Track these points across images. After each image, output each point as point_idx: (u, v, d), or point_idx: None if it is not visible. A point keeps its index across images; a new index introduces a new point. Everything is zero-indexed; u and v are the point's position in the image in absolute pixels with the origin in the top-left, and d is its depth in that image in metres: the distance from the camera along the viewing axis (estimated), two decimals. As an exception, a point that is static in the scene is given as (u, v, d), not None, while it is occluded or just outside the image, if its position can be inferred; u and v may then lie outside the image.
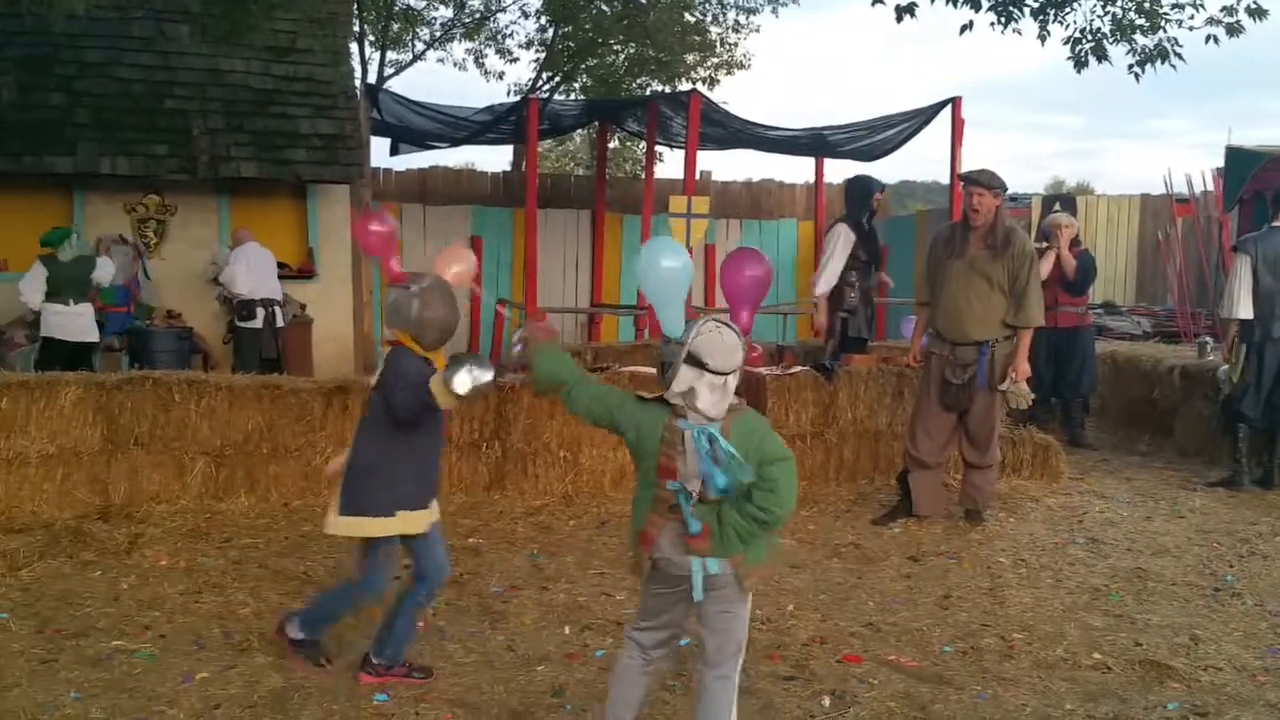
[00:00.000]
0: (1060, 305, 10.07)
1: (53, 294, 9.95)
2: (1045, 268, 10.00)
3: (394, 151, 16.30)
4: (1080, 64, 9.14)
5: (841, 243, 8.66)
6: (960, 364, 7.23)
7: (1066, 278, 10.06)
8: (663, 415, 3.67)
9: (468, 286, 4.71)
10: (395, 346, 4.49)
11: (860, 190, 8.93)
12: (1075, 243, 10.25)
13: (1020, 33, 9.11)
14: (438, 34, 19.76)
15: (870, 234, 8.87)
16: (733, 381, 3.65)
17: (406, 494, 4.53)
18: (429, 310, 4.40)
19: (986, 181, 7.18)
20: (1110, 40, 8.99)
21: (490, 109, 15.24)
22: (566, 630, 5.41)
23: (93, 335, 10.20)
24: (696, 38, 18.79)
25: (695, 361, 3.60)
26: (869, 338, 9.17)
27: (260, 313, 10.91)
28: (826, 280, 8.65)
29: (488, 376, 4.21)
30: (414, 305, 4.39)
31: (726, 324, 3.71)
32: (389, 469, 4.49)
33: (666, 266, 3.82)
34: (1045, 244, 10.27)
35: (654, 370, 8.25)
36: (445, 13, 19.45)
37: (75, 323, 10.07)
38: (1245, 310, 8.36)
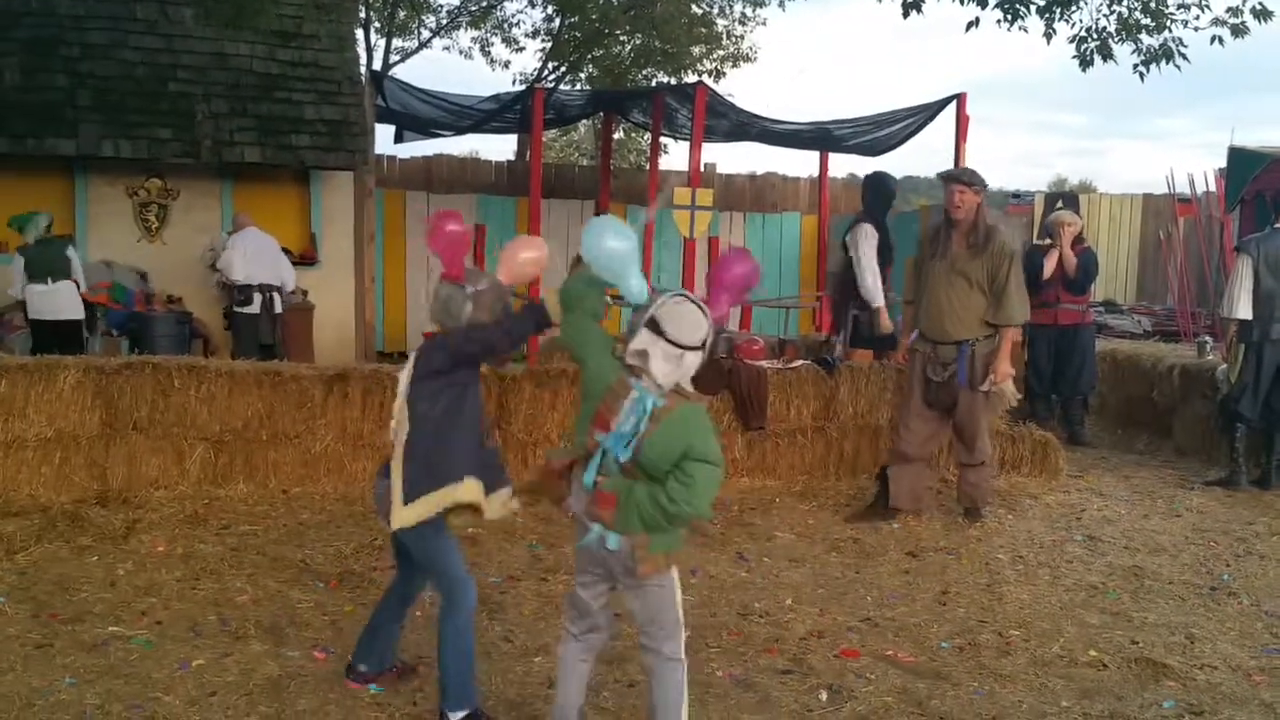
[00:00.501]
0: (1061, 303, 10.08)
1: (32, 277, 10.07)
2: (1049, 266, 10.00)
3: (398, 139, 16.24)
4: (1085, 63, 9.13)
5: (868, 242, 8.71)
6: (941, 362, 7.24)
7: (1068, 275, 10.05)
8: (618, 368, 3.74)
9: (532, 275, 4.47)
10: (436, 336, 4.30)
11: (880, 188, 9.01)
12: (1079, 240, 10.23)
13: (1026, 30, 9.09)
14: (444, 21, 19.72)
15: (886, 231, 8.92)
16: (690, 360, 3.67)
17: (473, 466, 4.25)
18: (480, 314, 4.20)
19: (967, 179, 7.21)
20: (1116, 40, 8.98)
21: (495, 98, 15.19)
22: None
23: (75, 313, 10.23)
24: (703, 30, 18.75)
25: (654, 327, 3.65)
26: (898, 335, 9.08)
27: (257, 298, 10.88)
28: (875, 285, 8.73)
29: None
30: (466, 307, 4.18)
31: (695, 302, 3.73)
32: (453, 439, 4.21)
33: (612, 245, 3.86)
34: (1049, 241, 10.26)
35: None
36: (452, 0, 19.42)
37: (55, 301, 10.14)
38: (1244, 310, 8.37)
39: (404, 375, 4.24)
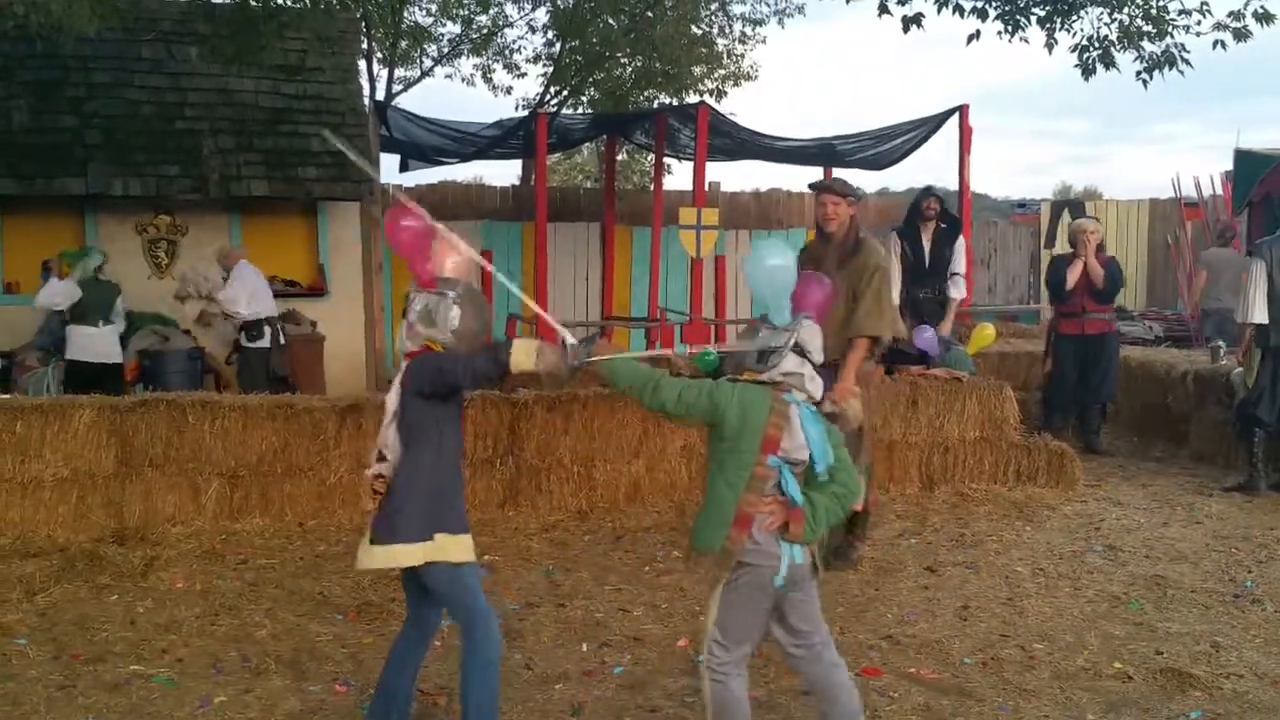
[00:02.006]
0: (1088, 312, 10.05)
1: (79, 317, 10.00)
2: (1072, 276, 9.97)
3: (403, 168, 16.32)
4: (1088, 72, 9.13)
5: (894, 250, 8.79)
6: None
7: (1094, 285, 10.00)
8: (766, 391, 3.89)
9: (470, 277, 4.22)
10: (427, 353, 4.09)
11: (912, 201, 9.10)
12: (1099, 248, 10.20)
13: (1027, 41, 9.10)
14: (445, 50, 19.79)
15: (914, 242, 8.95)
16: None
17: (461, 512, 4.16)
18: (467, 320, 4.07)
19: (840, 188, 6.80)
20: (1117, 48, 8.98)
21: (499, 124, 15.26)
22: (584, 647, 5.40)
23: (116, 357, 10.24)
24: (703, 50, 18.80)
25: (800, 351, 3.93)
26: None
27: (267, 331, 10.88)
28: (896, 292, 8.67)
29: (558, 359, 4.00)
30: (454, 314, 4.04)
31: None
32: (454, 483, 4.13)
33: (774, 264, 4.07)
34: (1073, 251, 10.23)
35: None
36: (453, 29, 19.50)
37: (101, 344, 10.16)
38: (1260, 315, 8.35)
39: (392, 397, 4.09)
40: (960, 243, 9.69)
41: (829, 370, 6.26)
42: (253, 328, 10.73)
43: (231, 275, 10.71)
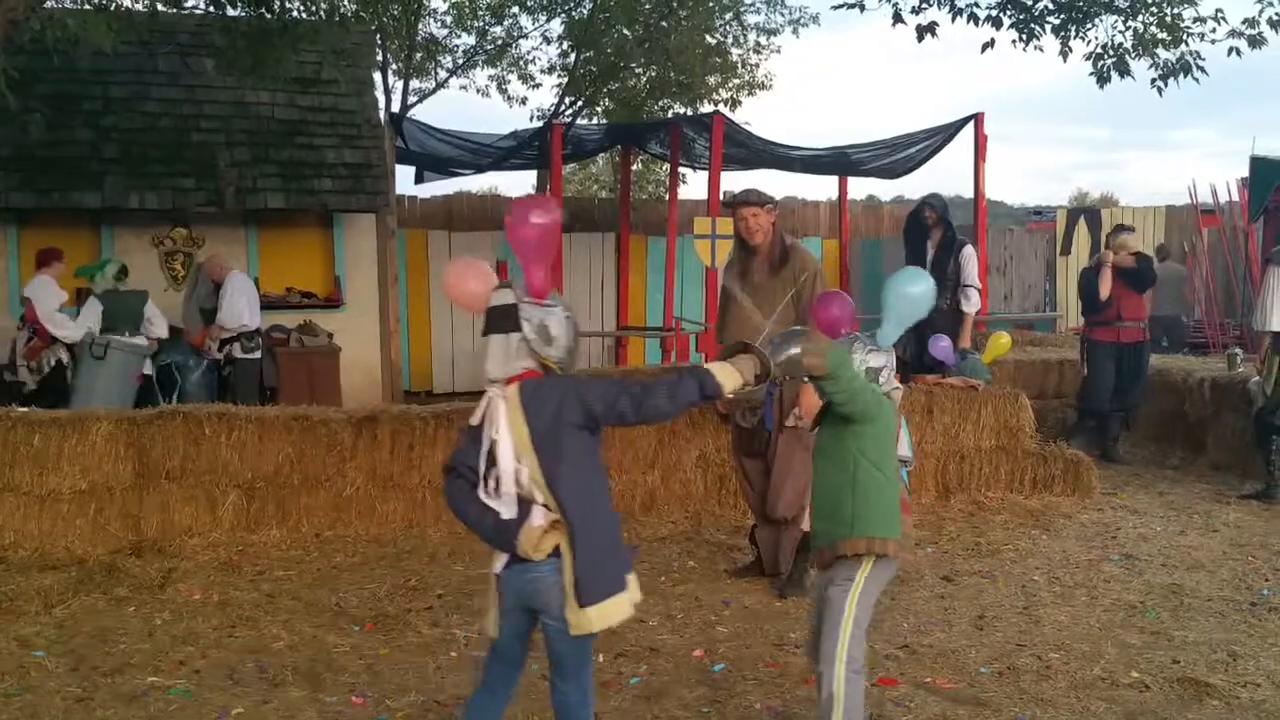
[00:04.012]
0: (1123, 320, 10.04)
1: (109, 329, 9.87)
2: (1104, 287, 9.97)
3: (419, 179, 16.38)
4: (1103, 80, 9.13)
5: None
6: (749, 405, 6.43)
7: (1129, 282, 10.02)
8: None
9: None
10: (547, 375, 3.62)
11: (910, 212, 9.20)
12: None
13: (1042, 50, 9.10)
14: (460, 61, 19.84)
15: (918, 251, 8.97)
16: None
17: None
18: (575, 337, 3.66)
19: (756, 199, 6.59)
20: (1132, 55, 8.98)
21: (514, 134, 15.31)
22: (600, 658, 5.39)
23: (146, 368, 10.21)
24: (718, 59, 18.82)
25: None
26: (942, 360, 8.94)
27: (260, 341, 10.91)
28: None
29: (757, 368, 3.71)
30: (569, 330, 3.62)
31: None
32: (614, 527, 3.76)
33: (915, 292, 4.29)
34: (1098, 261, 10.29)
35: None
36: (468, 40, 19.55)
37: None
38: (1278, 322, 8.31)
39: (505, 428, 3.56)
40: (968, 252, 9.68)
41: (774, 384, 6.05)
42: (251, 339, 10.74)
43: (227, 287, 10.65)
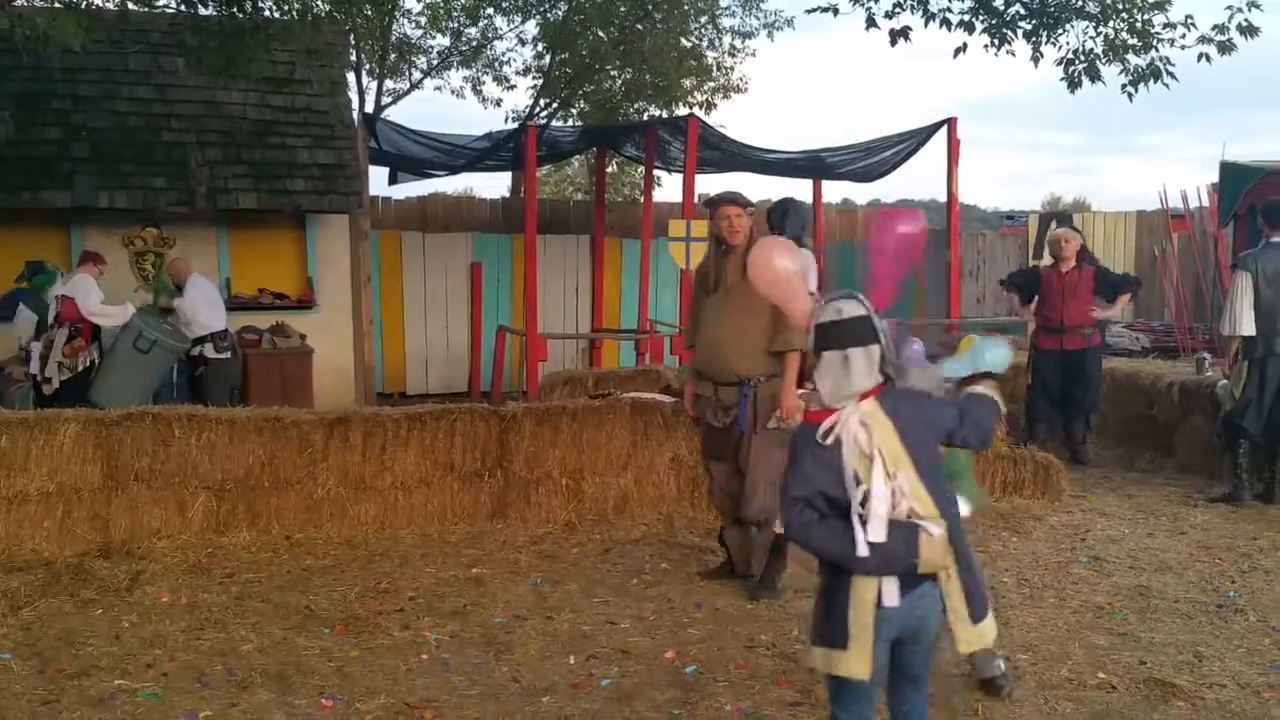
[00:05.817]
0: (1066, 328, 9.98)
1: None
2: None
3: (392, 180, 16.33)
4: (1074, 85, 9.19)
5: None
6: (722, 405, 6.42)
7: (1096, 294, 10.02)
8: None
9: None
10: (888, 386, 3.55)
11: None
12: (1086, 256, 10.21)
13: (1014, 54, 9.16)
14: (435, 62, 19.84)
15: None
16: None
17: None
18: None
19: (741, 200, 6.49)
20: (1103, 61, 9.04)
21: (488, 136, 15.28)
22: (571, 660, 5.40)
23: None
24: (693, 62, 18.87)
25: None
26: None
27: (231, 341, 10.90)
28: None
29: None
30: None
31: None
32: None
33: (996, 357, 4.03)
34: (1050, 261, 10.29)
35: (653, 395, 8.32)
36: (442, 41, 19.54)
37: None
38: (1248, 327, 8.37)
39: (877, 444, 3.44)
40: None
41: (748, 385, 6.27)
42: (222, 338, 10.72)
43: (186, 287, 10.63)
